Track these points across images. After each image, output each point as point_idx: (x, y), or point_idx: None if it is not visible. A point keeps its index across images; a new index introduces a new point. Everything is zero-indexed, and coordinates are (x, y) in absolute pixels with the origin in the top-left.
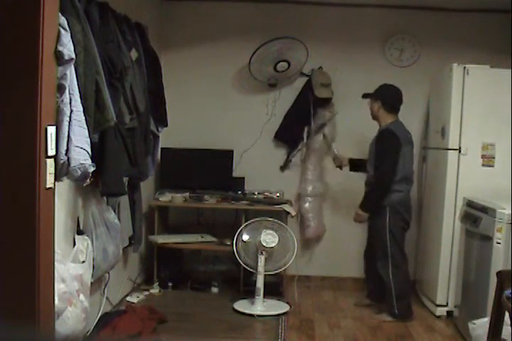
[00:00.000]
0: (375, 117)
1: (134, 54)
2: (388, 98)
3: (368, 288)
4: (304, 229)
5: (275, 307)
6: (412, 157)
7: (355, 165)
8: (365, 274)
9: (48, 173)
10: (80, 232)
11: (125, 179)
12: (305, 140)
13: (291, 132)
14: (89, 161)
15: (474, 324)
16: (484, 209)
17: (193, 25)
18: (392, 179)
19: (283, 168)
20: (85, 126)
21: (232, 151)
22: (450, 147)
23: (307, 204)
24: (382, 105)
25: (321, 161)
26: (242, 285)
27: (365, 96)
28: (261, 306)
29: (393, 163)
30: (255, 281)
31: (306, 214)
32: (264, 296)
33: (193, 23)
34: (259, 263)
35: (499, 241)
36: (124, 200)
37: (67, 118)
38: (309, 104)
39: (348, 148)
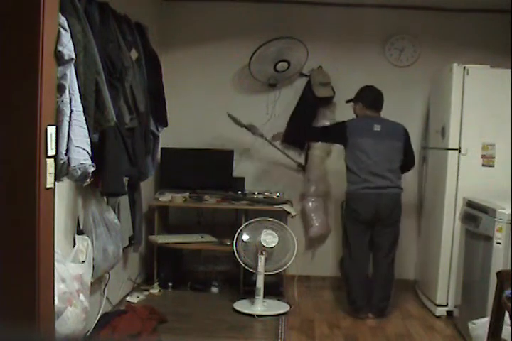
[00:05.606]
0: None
1: (134, 54)
2: (362, 98)
3: None
4: (308, 228)
5: (275, 307)
6: (373, 151)
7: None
8: None
9: (48, 173)
10: (80, 232)
11: (125, 179)
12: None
13: (297, 134)
14: (89, 161)
15: (474, 324)
16: (484, 209)
17: (193, 25)
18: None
19: (302, 168)
20: (85, 126)
21: (232, 151)
22: (450, 147)
23: (310, 204)
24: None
25: (324, 161)
26: (242, 285)
27: (348, 101)
28: (261, 306)
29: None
30: (255, 281)
31: (309, 214)
32: (264, 296)
33: (193, 23)
34: (259, 263)
35: (499, 241)
36: (124, 200)
37: (67, 118)
38: (310, 104)
39: None
